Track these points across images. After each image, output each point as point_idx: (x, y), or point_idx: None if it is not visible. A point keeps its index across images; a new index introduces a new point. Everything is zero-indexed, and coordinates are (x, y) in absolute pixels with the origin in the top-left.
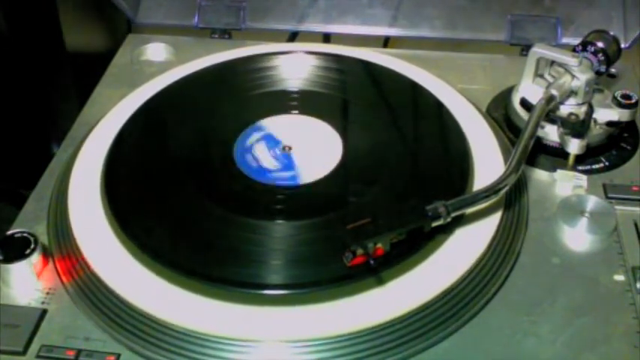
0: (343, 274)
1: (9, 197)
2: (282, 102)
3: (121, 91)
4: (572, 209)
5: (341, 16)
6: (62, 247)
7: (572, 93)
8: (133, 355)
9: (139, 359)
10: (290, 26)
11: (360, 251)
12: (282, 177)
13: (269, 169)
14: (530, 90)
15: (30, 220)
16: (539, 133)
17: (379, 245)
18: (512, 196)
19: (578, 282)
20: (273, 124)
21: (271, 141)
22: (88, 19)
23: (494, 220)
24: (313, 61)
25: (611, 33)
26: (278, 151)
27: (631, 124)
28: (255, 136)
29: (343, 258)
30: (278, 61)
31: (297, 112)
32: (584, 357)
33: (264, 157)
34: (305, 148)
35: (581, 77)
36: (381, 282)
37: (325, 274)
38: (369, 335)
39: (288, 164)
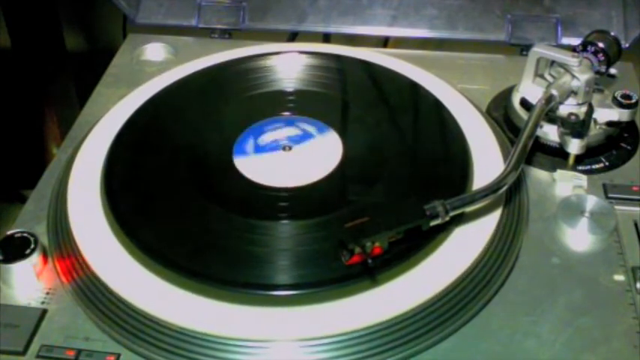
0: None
1: (9, 197)
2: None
3: (121, 91)
4: (572, 209)
5: (341, 17)
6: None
7: (572, 93)
8: (133, 355)
9: (138, 359)
10: (290, 26)
11: (357, 250)
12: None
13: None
14: (530, 90)
15: (30, 220)
16: (539, 132)
17: (377, 244)
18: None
19: (578, 282)
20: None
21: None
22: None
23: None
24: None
25: (612, 33)
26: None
27: (631, 124)
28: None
29: (341, 257)
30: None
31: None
32: (584, 357)
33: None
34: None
35: (581, 77)
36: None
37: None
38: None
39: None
